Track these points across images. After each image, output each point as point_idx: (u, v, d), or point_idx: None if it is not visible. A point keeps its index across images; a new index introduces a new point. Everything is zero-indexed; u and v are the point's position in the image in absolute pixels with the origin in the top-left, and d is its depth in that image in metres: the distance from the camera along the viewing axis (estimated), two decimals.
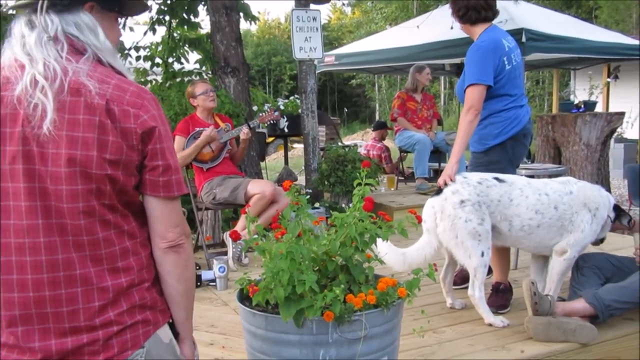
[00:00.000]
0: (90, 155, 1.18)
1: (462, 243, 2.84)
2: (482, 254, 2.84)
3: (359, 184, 2.10)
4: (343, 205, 5.30)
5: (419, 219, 2.11)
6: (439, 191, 2.96)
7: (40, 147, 1.18)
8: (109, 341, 1.23)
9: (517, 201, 2.87)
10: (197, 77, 6.00)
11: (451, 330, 2.91)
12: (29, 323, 1.21)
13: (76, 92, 1.19)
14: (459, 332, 2.89)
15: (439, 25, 7.47)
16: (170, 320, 1.37)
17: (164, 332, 1.33)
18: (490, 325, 2.91)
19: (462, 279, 3.44)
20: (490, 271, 3.29)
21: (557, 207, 2.88)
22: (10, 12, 1.27)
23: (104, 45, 1.29)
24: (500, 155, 3.17)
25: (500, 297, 3.16)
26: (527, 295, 2.75)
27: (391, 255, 2.85)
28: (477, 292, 2.90)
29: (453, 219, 2.84)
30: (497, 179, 2.92)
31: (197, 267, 3.76)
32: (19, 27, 1.25)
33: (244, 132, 4.37)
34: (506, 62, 3.10)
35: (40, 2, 1.22)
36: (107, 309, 1.23)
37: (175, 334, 1.38)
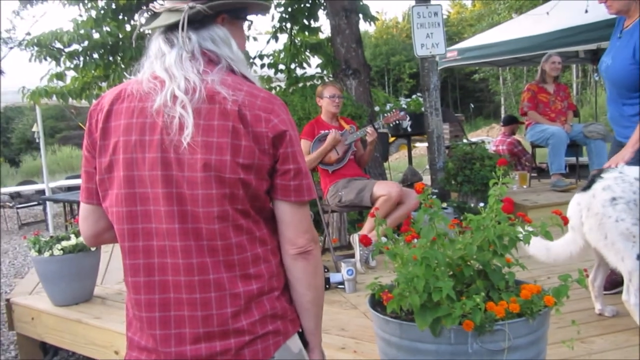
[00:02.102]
0: (224, 160, 1.19)
1: (613, 245, 2.58)
2: (639, 257, 2.55)
3: (495, 184, 1.97)
4: (472, 205, 5.09)
5: (565, 220, 1.93)
6: (587, 186, 2.71)
7: (177, 154, 1.21)
8: (241, 350, 1.23)
9: None
10: (319, 81, 6.07)
11: (602, 340, 2.66)
12: (167, 326, 1.24)
13: (211, 99, 1.22)
14: (612, 342, 2.62)
15: (571, 10, 6.98)
16: (300, 330, 1.35)
17: (294, 342, 1.31)
18: None
19: (612, 283, 3.13)
20: None
21: None
22: (144, 30, 1.32)
23: (237, 56, 1.32)
24: None
25: None
26: None
27: (535, 245, 2.66)
28: (632, 297, 2.61)
29: (601, 218, 2.59)
30: None
31: (326, 270, 3.78)
32: (156, 44, 1.30)
33: (369, 132, 4.33)
34: None
35: (180, 22, 1.25)
36: (239, 316, 1.23)
37: (305, 343, 1.36)
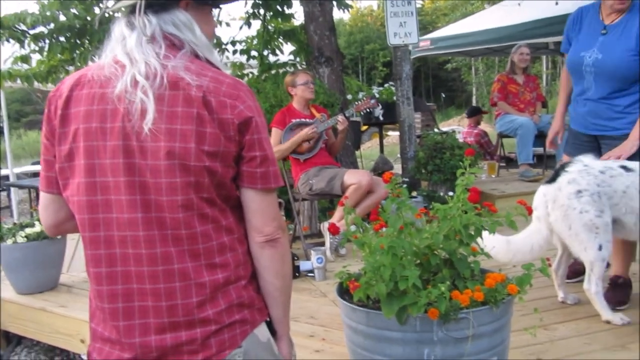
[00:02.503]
0: (189, 148, 1.17)
1: (577, 235, 2.64)
2: (600, 248, 2.61)
3: (462, 173, 1.99)
4: (441, 194, 5.14)
5: (530, 210, 1.96)
6: (552, 178, 2.76)
7: (140, 142, 1.18)
8: (206, 340, 1.22)
9: None
10: (292, 69, 6.04)
11: (564, 327, 2.72)
12: (131, 317, 1.22)
13: (174, 85, 1.19)
14: (573, 329, 2.68)
15: (542, 2, 7.06)
16: (268, 319, 1.34)
17: (262, 331, 1.31)
18: (607, 322, 2.69)
19: (574, 272, 3.20)
20: (608, 264, 3.04)
21: None
22: (111, 13, 1.29)
23: (200, 41, 1.29)
24: None
25: (619, 292, 2.91)
26: None
27: (495, 241, 2.70)
28: (593, 286, 2.68)
29: (566, 210, 2.64)
30: (624, 167, 2.67)
31: (296, 258, 3.78)
32: (119, 28, 1.27)
33: (340, 121, 4.32)
34: None
35: (138, 4, 1.23)
36: (205, 305, 1.22)
37: (273, 332, 1.35)
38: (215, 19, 1.43)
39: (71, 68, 5.86)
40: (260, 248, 1.29)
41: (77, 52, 5.71)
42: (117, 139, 1.19)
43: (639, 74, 2.85)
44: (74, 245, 4.24)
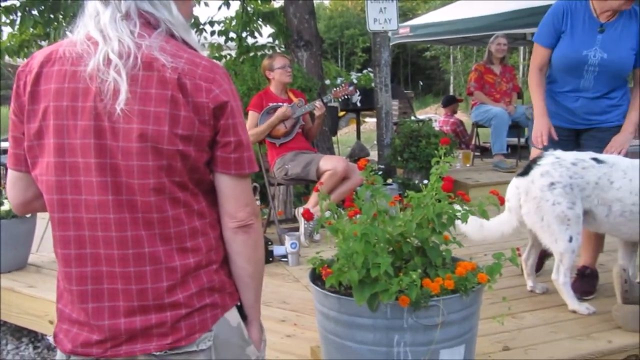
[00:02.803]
0: (162, 131, 1.15)
1: (549, 227, 2.68)
2: (570, 239, 2.66)
3: (437, 162, 2.00)
4: (416, 182, 5.18)
5: (502, 201, 1.98)
6: (525, 171, 2.79)
7: (112, 123, 1.16)
8: (176, 324, 1.21)
9: (618, 184, 2.64)
10: (270, 51, 5.99)
11: (531, 315, 2.77)
12: (100, 299, 1.21)
13: (149, 66, 1.16)
14: (541, 318, 2.74)
15: None
16: (239, 303, 1.34)
17: (232, 316, 1.30)
18: (574, 312, 2.75)
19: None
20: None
21: None
22: None
23: (177, 20, 1.25)
24: None
25: (586, 282, 2.97)
26: (617, 282, 2.57)
27: (470, 222, 2.73)
28: (561, 277, 2.73)
29: (539, 202, 2.68)
30: (595, 159, 2.71)
31: (270, 243, 3.77)
32: (93, 3, 1.23)
33: (317, 106, 4.30)
34: None
35: None
36: (175, 289, 1.21)
37: (243, 317, 1.35)
38: None
39: (44, 43, 5.72)
40: (233, 234, 1.28)
41: (51, 27, 5.57)
42: (88, 119, 1.17)
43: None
44: (44, 225, 4.17)
